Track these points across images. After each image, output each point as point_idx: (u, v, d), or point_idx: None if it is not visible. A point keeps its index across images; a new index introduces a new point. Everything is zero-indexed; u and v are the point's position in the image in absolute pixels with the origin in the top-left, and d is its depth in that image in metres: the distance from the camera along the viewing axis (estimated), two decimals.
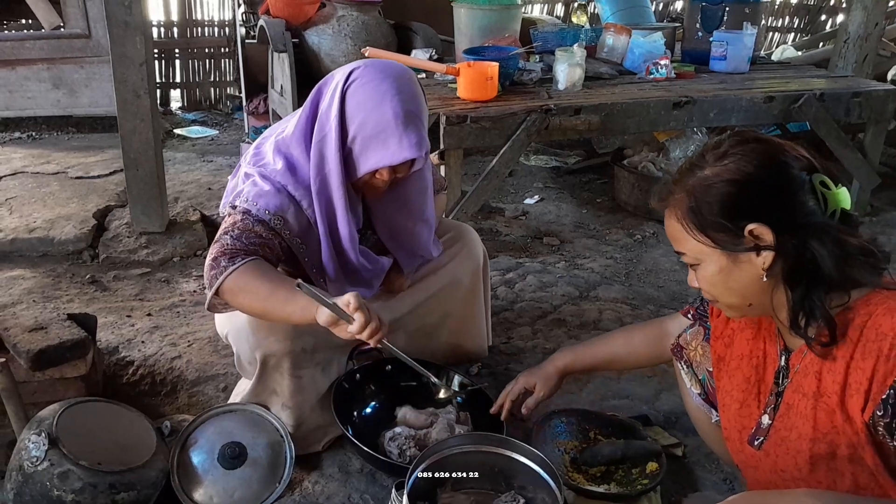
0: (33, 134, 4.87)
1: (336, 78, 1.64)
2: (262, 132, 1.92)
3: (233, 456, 1.70)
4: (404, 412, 1.82)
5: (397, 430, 1.76)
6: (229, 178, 1.82)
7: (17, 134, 4.84)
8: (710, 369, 1.41)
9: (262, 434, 1.76)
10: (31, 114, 4.85)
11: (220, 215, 1.83)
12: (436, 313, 2.01)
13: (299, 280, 1.39)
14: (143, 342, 2.37)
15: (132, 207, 3.13)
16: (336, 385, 1.82)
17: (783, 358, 1.23)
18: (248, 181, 1.66)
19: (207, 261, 1.57)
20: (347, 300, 1.41)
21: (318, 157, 1.62)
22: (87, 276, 2.89)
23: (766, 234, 1.10)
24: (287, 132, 1.70)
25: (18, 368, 1.78)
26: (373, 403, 1.91)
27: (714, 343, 1.39)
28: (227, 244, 1.56)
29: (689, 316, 1.51)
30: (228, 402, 1.91)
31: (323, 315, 1.42)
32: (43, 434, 1.53)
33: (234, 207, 1.64)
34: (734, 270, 1.15)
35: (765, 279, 1.13)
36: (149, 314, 2.59)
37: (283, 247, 1.66)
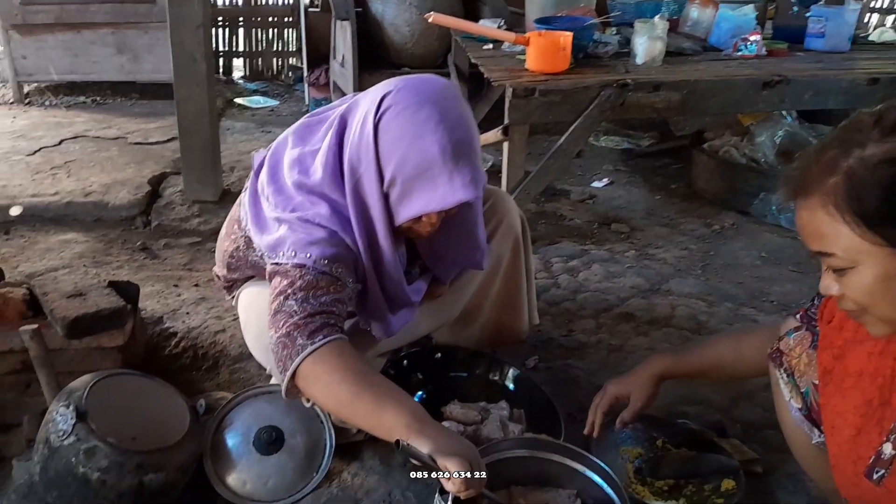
0: (97, 98, 4.93)
1: (363, 107, 1.39)
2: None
3: (269, 441, 1.60)
4: (452, 408, 1.67)
5: (444, 424, 1.61)
6: (247, 192, 1.59)
7: (81, 98, 4.91)
8: (816, 382, 1.20)
9: (302, 419, 1.65)
10: (96, 78, 4.91)
11: (238, 221, 1.63)
12: (479, 295, 1.86)
13: (399, 440, 1.18)
14: (187, 313, 2.30)
15: (186, 175, 3.09)
16: (382, 372, 1.68)
17: None
18: (285, 227, 1.41)
19: (276, 335, 1.32)
20: (444, 467, 1.15)
21: (356, 204, 1.39)
22: (139, 243, 2.86)
23: None
24: (316, 174, 1.43)
25: (54, 336, 1.71)
26: (419, 393, 1.78)
27: (821, 354, 1.18)
28: (296, 312, 1.31)
29: (798, 317, 1.29)
30: (270, 382, 1.81)
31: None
32: (71, 407, 1.45)
33: (278, 264, 1.39)
34: None
35: None
36: (196, 285, 2.52)
37: (349, 297, 1.42)
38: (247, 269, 1.71)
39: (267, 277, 1.44)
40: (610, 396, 1.57)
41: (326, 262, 1.36)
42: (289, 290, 1.34)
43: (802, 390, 1.25)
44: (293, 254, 1.37)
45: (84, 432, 1.42)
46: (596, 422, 1.58)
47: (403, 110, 1.32)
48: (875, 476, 1.07)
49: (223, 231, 1.77)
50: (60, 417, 1.45)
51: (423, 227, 1.42)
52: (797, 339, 1.26)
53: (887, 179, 0.90)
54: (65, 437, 1.43)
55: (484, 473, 1.19)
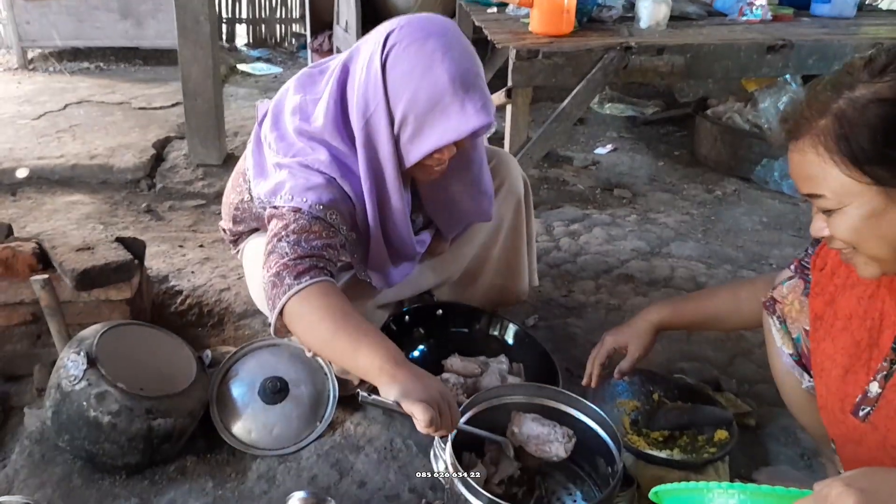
0: (101, 64, 4.92)
1: (368, 48, 1.38)
2: None
3: (274, 391, 1.63)
4: (452, 361, 1.70)
5: (445, 376, 1.65)
6: (251, 142, 1.61)
7: (85, 64, 4.90)
8: (807, 328, 1.23)
9: (306, 370, 1.69)
10: (100, 44, 4.90)
11: (237, 209, 1.67)
12: (480, 257, 1.87)
13: (360, 393, 1.21)
14: (192, 272, 2.33)
15: (190, 138, 3.10)
16: (384, 326, 1.71)
17: None
18: (285, 172, 1.43)
19: (267, 275, 1.35)
20: (419, 414, 1.16)
21: (366, 148, 1.40)
22: (144, 205, 2.88)
23: None
24: (317, 121, 1.44)
25: (64, 288, 1.75)
26: (421, 347, 1.81)
27: (813, 300, 1.20)
28: (287, 253, 1.34)
29: (792, 268, 1.31)
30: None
31: (390, 392, 1.21)
32: (82, 353, 1.49)
33: (275, 208, 1.42)
34: (889, 213, 0.94)
35: None
36: (201, 245, 2.55)
37: (341, 245, 1.44)
38: (251, 221, 1.73)
39: (266, 221, 1.46)
40: (608, 347, 1.58)
41: (322, 207, 1.38)
42: (282, 233, 1.36)
43: (794, 336, 1.28)
44: (290, 197, 1.39)
45: (95, 377, 1.46)
46: (594, 373, 1.59)
47: (409, 45, 1.33)
48: (861, 413, 1.10)
49: (229, 184, 1.79)
50: (72, 363, 1.48)
51: (433, 164, 1.42)
52: (790, 287, 1.28)
53: (874, 119, 0.91)
54: (76, 381, 1.46)
55: (457, 415, 1.23)
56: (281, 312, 1.32)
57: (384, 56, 1.34)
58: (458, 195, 1.63)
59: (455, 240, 1.80)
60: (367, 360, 1.23)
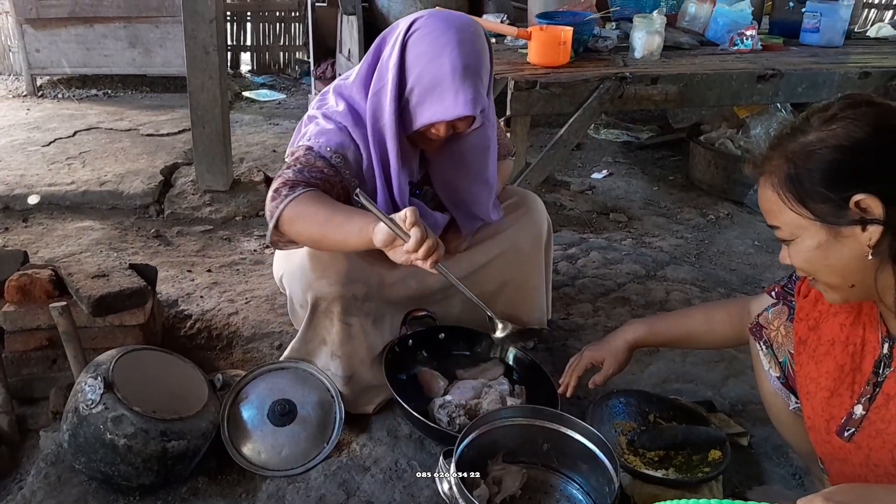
0: (109, 91, 5.02)
1: (400, 27, 1.59)
2: None
3: (282, 413, 1.69)
4: (454, 383, 1.76)
5: (447, 397, 1.71)
6: (296, 129, 1.80)
7: (93, 91, 5.00)
8: (793, 352, 1.30)
9: (313, 392, 1.75)
10: (108, 71, 5.00)
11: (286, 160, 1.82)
12: (493, 280, 1.94)
13: (357, 189, 1.34)
14: (201, 297, 2.39)
15: (197, 165, 3.17)
16: (388, 349, 1.78)
17: (886, 346, 1.12)
18: (311, 122, 1.67)
19: (269, 193, 1.54)
20: (404, 215, 1.31)
21: (374, 107, 1.59)
22: (152, 231, 2.94)
23: (875, 207, 0.98)
24: (350, 78, 1.68)
25: (80, 313, 1.81)
26: (424, 370, 1.86)
27: (797, 324, 1.27)
28: (289, 177, 1.53)
29: (774, 294, 1.39)
30: (281, 359, 1.90)
31: (379, 234, 1.34)
32: (99, 378, 1.54)
33: (296, 148, 1.64)
34: (834, 246, 1.04)
35: (870, 257, 1.02)
36: (209, 270, 2.61)
37: (342, 185, 1.62)
38: None
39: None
40: (586, 361, 1.68)
41: (329, 149, 1.59)
42: (292, 164, 1.57)
43: (780, 360, 1.35)
44: (308, 139, 1.62)
45: (112, 401, 1.51)
46: (570, 383, 1.70)
47: (429, 33, 1.53)
48: (846, 434, 1.17)
49: None
50: (89, 388, 1.54)
51: (433, 136, 1.61)
52: (775, 313, 1.35)
53: (818, 162, 1.02)
54: (93, 405, 1.52)
55: (441, 247, 1.34)
56: (278, 221, 1.49)
57: (406, 36, 1.55)
58: (460, 177, 1.77)
59: (470, 248, 1.91)
60: (361, 220, 1.39)
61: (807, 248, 1.07)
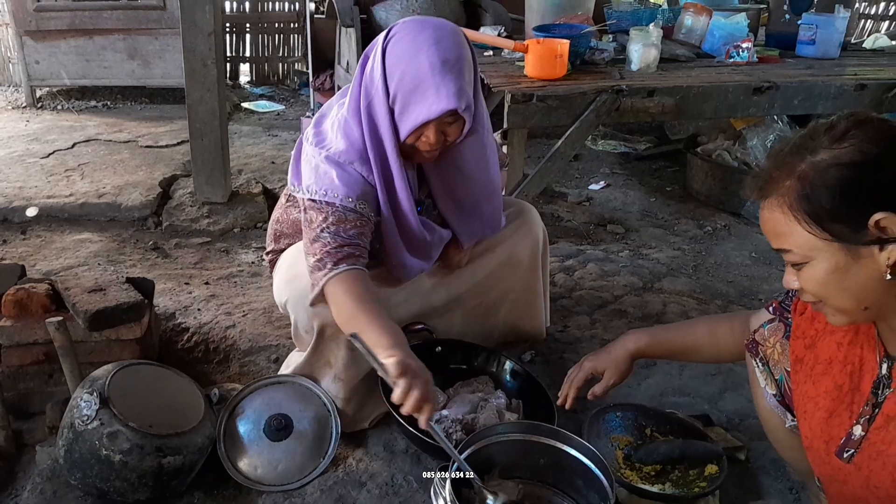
0: (108, 103, 5.03)
1: (379, 37, 1.59)
2: None
3: (279, 428, 1.69)
4: (452, 398, 1.76)
5: (444, 412, 1.71)
6: (293, 152, 1.79)
7: (92, 102, 5.01)
8: (789, 369, 1.29)
9: (310, 407, 1.75)
10: (107, 83, 5.01)
11: (286, 193, 1.84)
12: (494, 291, 1.95)
13: (353, 332, 1.40)
14: (199, 310, 2.39)
15: (196, 177, 3.18)
16: None
17: (885, 366, 1.11)
18: (315, 167, 1.64)
19: (312, 259, 1.59)
20: (391, 366, 1.33)
21: (369, 123, 1.59)
22: (150, 243, 2.95)
23: (894, 226, 0.96)
24: (345, 105, 1.66)
25: (76, 328, 1.81)
26: None
27: (794, 343, 1.27)
28: (329, 242, 1.57)
29: (771, 310, 1.38)
30: (279, 373, 1.90)
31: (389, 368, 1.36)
32: (95, 393, 1.54)
33: (313, 201, 1.62)
34: (852, 268, 1.01)
35: (888, 278, 0.99)
36: (206, 283, 2.61)
37: (369, 227, 1.65)
38: (289, 229, 1.91)
39: (301, 209, 1.68)
40: (586, 372, 1.63)
41: (351, 199, 1.60)
42: (323, 224, 1.59)
43: (777, 377, 1.34)
44: (324, 193, 1.61)
45: (107, 417, 1.52)
46: (570, 394, 1.64)
47: (406, 35, 1.53)
48: (845, 455, 1.16)
49: (275, 213, 1.99)
50: (85, 403, 1.54)
51: (423, 145, 1.59)
52: (771, 330, 1.35)
53: (834, 181, 0.99)
54: (89, 421, 1.52)
55: (425, 402, 1.34)
56: (322, 290, 1.57)
57: (385, 42, 1.56)
58: (462, 190, 1.77)
59: (470, 261, 1.91)
60: (376, 339, 1.42)
61: (822, 270, 1.03)
